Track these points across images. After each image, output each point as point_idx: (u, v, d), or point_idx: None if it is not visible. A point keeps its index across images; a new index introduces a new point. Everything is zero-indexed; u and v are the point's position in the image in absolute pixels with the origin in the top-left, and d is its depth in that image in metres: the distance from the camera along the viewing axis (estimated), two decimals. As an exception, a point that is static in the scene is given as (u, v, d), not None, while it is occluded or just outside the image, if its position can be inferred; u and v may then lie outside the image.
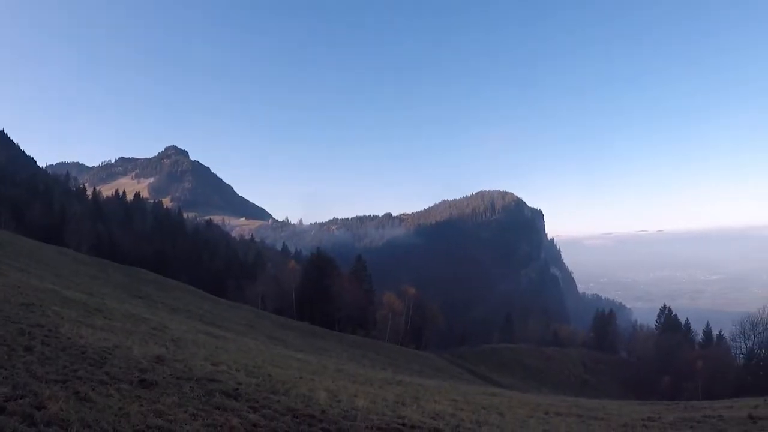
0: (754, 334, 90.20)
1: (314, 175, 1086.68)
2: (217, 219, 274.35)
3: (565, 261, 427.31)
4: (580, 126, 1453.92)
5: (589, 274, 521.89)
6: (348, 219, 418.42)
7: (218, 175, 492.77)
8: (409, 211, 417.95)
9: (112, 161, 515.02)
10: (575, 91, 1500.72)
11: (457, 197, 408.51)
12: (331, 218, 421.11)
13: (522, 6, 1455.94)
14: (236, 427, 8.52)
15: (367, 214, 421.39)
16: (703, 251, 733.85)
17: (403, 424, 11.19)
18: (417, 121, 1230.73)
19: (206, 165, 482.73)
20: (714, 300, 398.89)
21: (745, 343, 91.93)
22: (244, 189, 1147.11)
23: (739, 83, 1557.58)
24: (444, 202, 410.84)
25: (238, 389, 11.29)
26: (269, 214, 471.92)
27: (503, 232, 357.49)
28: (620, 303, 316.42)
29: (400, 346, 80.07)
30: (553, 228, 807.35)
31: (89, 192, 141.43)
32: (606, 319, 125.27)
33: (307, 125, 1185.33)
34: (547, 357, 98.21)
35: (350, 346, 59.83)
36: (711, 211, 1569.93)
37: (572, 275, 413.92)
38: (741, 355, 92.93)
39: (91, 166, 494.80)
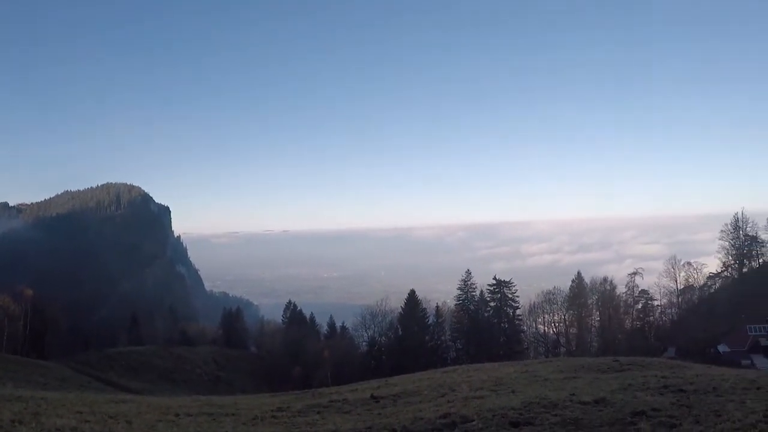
0: (374, 323, 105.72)
1: None
2: None
3: (192, 259, 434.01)
4: (210, 125, 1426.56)
5: (217, 272, 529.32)
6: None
7: None
8: (28, 201, 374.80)
9: None
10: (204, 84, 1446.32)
11: (82, 188, 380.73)
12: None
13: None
14: None
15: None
16: (326, 250, 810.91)
17: (18, 445, 10.83)
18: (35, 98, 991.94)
19: None
20: (337, 295, 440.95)
21: (366, 331, 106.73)
22: None
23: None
24: (67, 192, 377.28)
25: None
26: None
27: (128, 228, 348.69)
28: (248, 300, 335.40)
29: (19, 356, 72.89)
30: (180, 225, 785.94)
31: None
32: (234, 316, 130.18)
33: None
34: (177, 357, 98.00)
35: (-39, 361, 51.67)
36: (333, 214, 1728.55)
37: (199, 273, 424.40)
38: (364, 343, 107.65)
39: None
